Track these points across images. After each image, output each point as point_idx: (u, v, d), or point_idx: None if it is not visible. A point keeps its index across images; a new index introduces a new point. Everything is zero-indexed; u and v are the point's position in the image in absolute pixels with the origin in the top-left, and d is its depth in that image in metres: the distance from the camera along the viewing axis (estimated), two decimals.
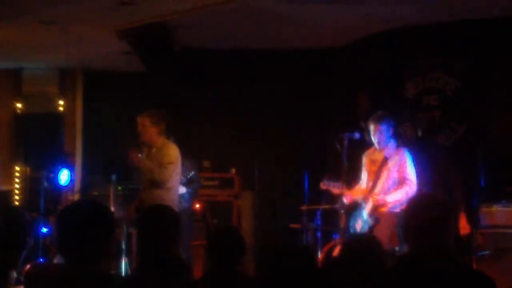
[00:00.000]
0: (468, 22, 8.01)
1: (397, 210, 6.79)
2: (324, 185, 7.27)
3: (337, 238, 7.36)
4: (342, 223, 7.04)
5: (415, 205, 3.49)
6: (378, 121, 6.92)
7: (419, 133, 7.49)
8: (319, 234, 8.06)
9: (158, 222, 3.71)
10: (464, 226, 7.05)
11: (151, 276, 3.53)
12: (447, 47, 8.29)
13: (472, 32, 8.06)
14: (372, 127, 6.94)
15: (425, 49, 8.42)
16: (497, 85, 8.03)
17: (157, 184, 7.02)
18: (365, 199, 6.92)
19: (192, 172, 7.84)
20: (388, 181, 6.86)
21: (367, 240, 3.72)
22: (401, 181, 6.85)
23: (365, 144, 7.14)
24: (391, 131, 6.98)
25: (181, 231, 3.80)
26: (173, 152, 7.18)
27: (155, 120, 7.17)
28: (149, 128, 7.15)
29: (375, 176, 6.91)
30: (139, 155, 7.19)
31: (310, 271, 3.05)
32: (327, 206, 8.00)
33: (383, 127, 6.91)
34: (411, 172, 6.88)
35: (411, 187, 6.82)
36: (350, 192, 7.04)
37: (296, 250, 3.18)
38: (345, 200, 7.02)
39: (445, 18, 8.02)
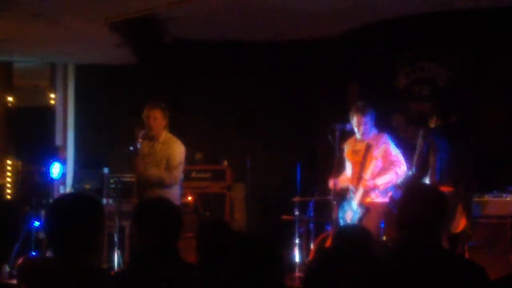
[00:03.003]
0: (460, 12, 8.01)
1: (386, 200, 6.81)
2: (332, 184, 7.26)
3: (330, 229, 7.38)
4: (334, 215, 7.06)
5: (409, 195, 3.51)
6: (362, 113, 6.91)
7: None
8: (311, 225, 8.08)
9: (156, 214, 3.68)
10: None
11: (145, 269, 3.52)
12: (439, 38, 8.29)
13: (464, 23, 8.06)
14: (355, 119, 6.94)
15: (416, 40, 8.43)
16: (489, 77, 8.05)
17: (166, 186, 6.88)
18: (354, 188, 6.95)
19: None
20: (375, 169, 6.88)
21: (357, 230, 3.73)
22: (388, 166, 6.88)
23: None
24: (373, 121, 6.99)
25: (180, 224, 3.75)
26: (180, 150, 7.00)
27: (165, 112, 6.99)
28: (161, 121, 6.94)
29: (360, 165, 6.93)
30: (130, 148, 7.02)
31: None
32: (319, 198, 8.02)
33: (367, 119, 6.92)
34: (396, 153, 6.93)
35: (400, 167, 6.89)
36: (337, 180, 7.01)
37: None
38: (330, 186, 7.02)
39: (437, 8, 8.02)
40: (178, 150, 6.99)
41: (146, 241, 3.59)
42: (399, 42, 8.50)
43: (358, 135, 7.02)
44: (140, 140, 6.93)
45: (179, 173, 6.97)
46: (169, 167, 6.92)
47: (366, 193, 6.84)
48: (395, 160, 6.90)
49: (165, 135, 7.03)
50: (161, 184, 6.87)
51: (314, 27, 8.81)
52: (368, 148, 6.89)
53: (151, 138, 6.98)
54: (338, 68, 9.29)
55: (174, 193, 6.94)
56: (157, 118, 6.94)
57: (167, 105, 7.19)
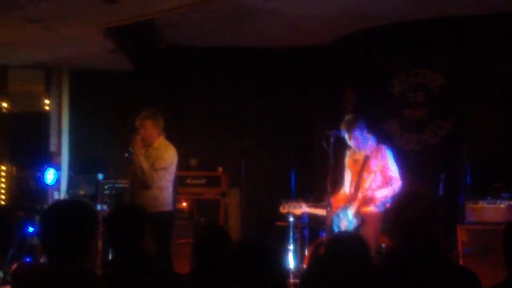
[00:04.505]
0: (454, 18, 8.04)
1: (382, 210, 6.82)
2: (284, 209, 7.36)
3: (324, 236, 7.37)
4: (328, 221, 7.05)
5: (400, 203, 3.50)
6: (350, 128, 6.92)
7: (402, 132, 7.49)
8: (306, 231, 8.07)
9: (124, 221, 3.74)
10: None
11: (122, 272, 3.55)
12: (433, 44, 8.30)
13: (457, 29, 8.08)
14: (346, 135, 6.96)
15: (410, 46, 8.44)
16: (483, 82, 8.07)
17: (143, 183, 6.96)
18: (351, 198, 6.95)
19: None
20: (372, 181, 6.88)
21: (351, 237, 3.72)
22: (386, 180, 6.89)
23: None
24: (365, 132, 6.98)
25: (147, 228, 3.81)
26: (169, 156, 7.04)
27: (156, 121, 7.04)
28: (152, 130, 7.02)
29: (358, 176, 6.94)
30: (126, 155, 7.06)
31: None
32: (314, 204, 8.01)
33: (356, 133, 6.92)
34: (394, 169, 6.93)
35: (397, 183, 6.87)
36: (335, 200, 7.04)
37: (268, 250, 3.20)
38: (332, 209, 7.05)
39: (431, 14, 8.04)
40: (167, 154, 7.05)
41: (114, 247, 3.68)
42: (394, 48, 8.51)
43: (354, 149, 7.04)
44: (134, 146, 6.97)
45: (157, 177, 6.95)
46: (150, 168, 6.96)
47: (363, 203, 6.85)
48: (392, 176, 6.90)
49: (160, 141, 7.08)
50: (141, 177, 6.90)
51: (309, 33, 8.82)
52: (366, 160, 6.91)
53: (146, 145, 7.03)
54: (333, 73, 9.30)
55: (162, 195, 6.98)
56: (147, 128, 7.02)
57: (162, 111, 7.22)
